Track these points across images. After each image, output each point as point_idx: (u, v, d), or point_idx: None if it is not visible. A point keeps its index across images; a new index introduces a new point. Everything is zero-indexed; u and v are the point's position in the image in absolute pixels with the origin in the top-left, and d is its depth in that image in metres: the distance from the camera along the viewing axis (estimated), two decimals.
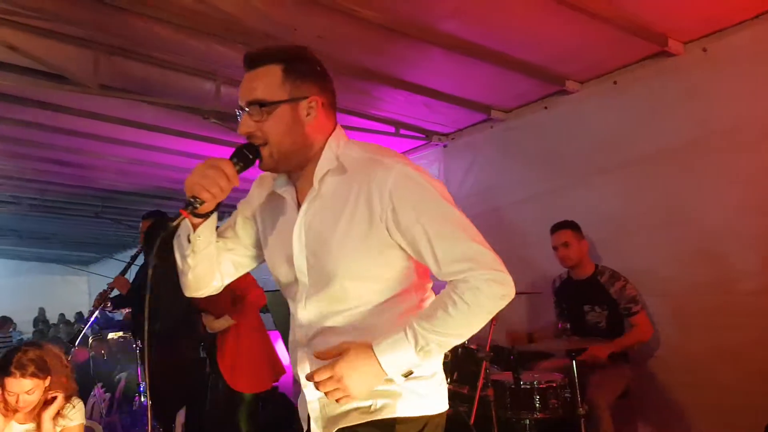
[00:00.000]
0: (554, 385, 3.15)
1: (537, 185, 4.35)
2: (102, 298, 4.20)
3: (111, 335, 5.63)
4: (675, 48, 3.41)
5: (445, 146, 5.19)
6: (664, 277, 3.59)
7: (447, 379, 3.36)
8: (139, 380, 4.38)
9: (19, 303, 14.72)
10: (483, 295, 1.38)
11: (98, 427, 4.71)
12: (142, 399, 4.46)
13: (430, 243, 1.40)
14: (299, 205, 1.54)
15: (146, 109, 4.42)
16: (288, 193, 1.58)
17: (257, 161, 1.48)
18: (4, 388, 2.62)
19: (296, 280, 1.54)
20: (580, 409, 3.09)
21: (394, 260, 1.48)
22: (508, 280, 1.42)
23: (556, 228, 3.75)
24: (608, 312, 3.58)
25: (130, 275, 4.38)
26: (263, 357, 3.47)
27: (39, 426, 2.70)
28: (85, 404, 5.63)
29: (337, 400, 1.40)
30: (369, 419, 1.48)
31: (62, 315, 15.06)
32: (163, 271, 4.19)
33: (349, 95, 4.16)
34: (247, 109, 1.45)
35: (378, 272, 1.48)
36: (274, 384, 3.58)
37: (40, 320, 15.08)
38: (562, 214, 4.01)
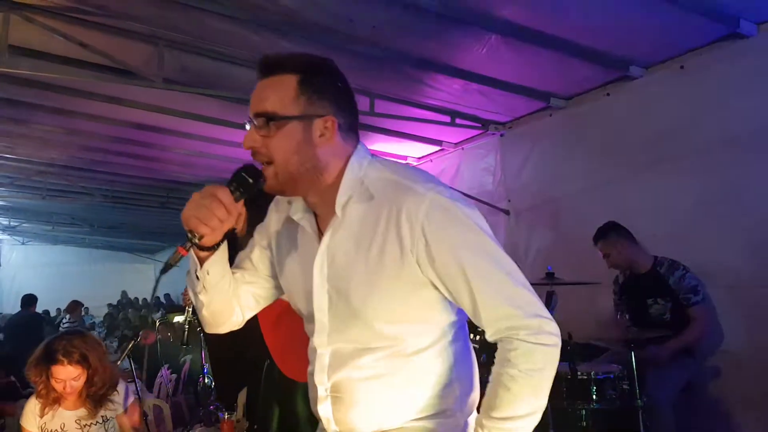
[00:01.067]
0: (612, 376, 3.10)
1: (598, 175, 4.24)
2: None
3: (176, 318, 5.84)
4: (747, 29, 3.26)
5: (502, 135, 5.12)
6: (732, 268, 3.46)
7: None
8: (203, 362, 4.53)
9: (90, 289, 15.47)
10: (538, 354, 1.23)
11: (165, 406, 4.94)
12: (206, 380, 4.62)
13: (469, 287, 1.24)
14: (320, 234, 1.36)
15: (209, 102, 4.55)
16: (307, 221, 1.39)
17: (259, 185, 1.30)
18: (51, 376, 2.66)
19: (314, 315, 1.38)
20: (639, 401, 3.04)
21: (429, 299, 1.31)
22: (554, 325, 1.26)
23: (594, 241, 3.73)
24: (672, 304, 3.48)
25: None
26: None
27: (90, 411, 2.76)
28: (152, 385, 5.91)
29: None
30: None
31: (136, 299, 15.75)
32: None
33: (404, 84, 4.17)
34: (254, 121, 1.28)
35: (411, 313, 1.31)
36: None
37: (123, 301, 15.78)
38: (624, 205, 3.93)
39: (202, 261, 1.36)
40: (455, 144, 5.62)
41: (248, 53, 3.85)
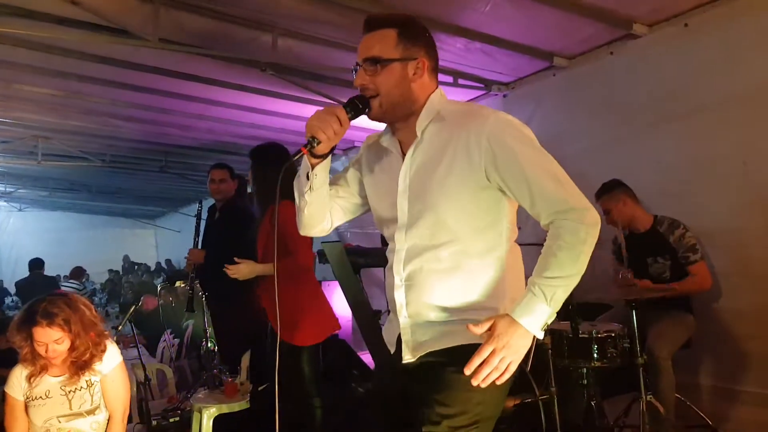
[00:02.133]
0: (613, 334, 3.11)
1: (602, 135, 4.21)
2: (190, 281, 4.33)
3: (178, 283, 5.88)
4: None
5: (505, 96, 5.07)
6: (733, 228, 3.46)
7: None
8: (206, 327, 4.56)
9: (91, 254, 15.49)
10: (582, 231, 1.54)
11: (168, 370, 5.00)
12: (209, 344, 4.66)
13: (528, 182, 1.57)
14: (404, 155, 1.74)
15: (207, 62, 4.47)
16: (393, 146, 1.78)
17: (366, 111, 1.69)
18: (33, 339, 2.58)
19: (396, 219, 1.73)
20: (640, 358, 3.08)
21: (490, 201, 1.65)
22: (595, 213, 1.58)
23: (596, 197, 3.70)
24: (671, 262, 3.51)
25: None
26: (315, 309, 3.35)
27: (73, 376, 2.67)
28: (155, 350, 5.97)
29: (504, 370, 1.53)
30: (456, 344, 1.65)
31: (145, 264, 15.78)
32: (228, 224, 4.24)
33: None
34: (363, 65, 1.68)
35: (473, 210, 1.65)
36: (333, 333, 3.52)
37: (125, 266, 15.80)
38: (627, 164, 3.91)
39: (313, 166, 1.73)
40: None
41: (246, 11, 3.77)
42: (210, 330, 4.52)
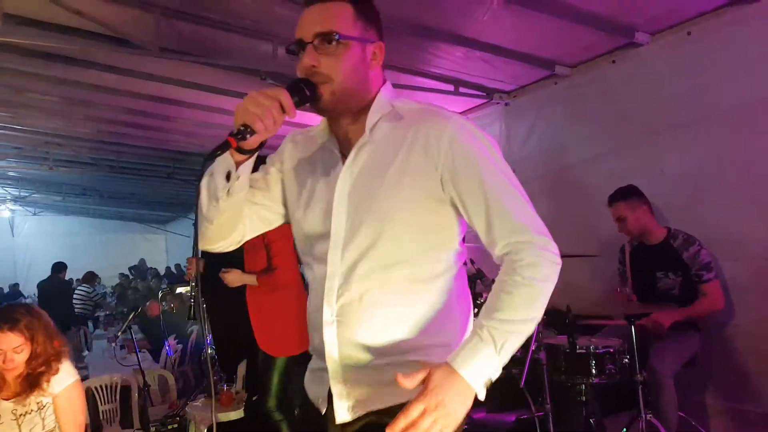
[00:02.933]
0: (612, 350, 3.05)
1: (604, 144, 4.15)
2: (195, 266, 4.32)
3: (180, 289, 5.90)
4: None
5: (506, 104, 5.03)
6: (743, 240, 3.37)
7: None
8: (205, 333, 4.57)
9: (102, 259, 15.64)
10: (545, 267, 1.29)
11: (170, 377, 5.02)
12: (209, 351, 4.67)
13: (486, 202, 1.32)
14: (343, 156, 1.43)
15: (208, 71, 4.49)
16: (331, 144, 1.47)
17: (313, 98, 1.35)
18: None
19: (329, 235, 1.39)
20: (639, 375, 2.99)
21: (443, 217, 1.38)
22: (556, 247, 1.33)
23: (609, 202, 3.59)
24: (682, 278, 3.39)
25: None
26: (292, 322, 3.38)
27: (24, 395, 2.49)
28: (159, 355, 5.99)
29: None
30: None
31: (155, 269, 15.89)
32: None
33: (405, 52, 4.08)
34: (313, 41, 1.33)
35: (426, 223, 1.36)
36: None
37: (142, 268, 15.89)
38: (631, 174, 3.83)
39: (237, 164, 1.35)
40: (460, 113, 5.50)
41: (245, 21, 3.78)
42: (210, 337, 4.53)
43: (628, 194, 3.53)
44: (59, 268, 10.18)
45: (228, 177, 1.36)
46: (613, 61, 4.04)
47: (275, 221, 1.59)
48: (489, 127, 5.21)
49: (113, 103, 5.62)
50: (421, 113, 1.40)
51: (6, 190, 12.75)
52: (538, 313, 1.30)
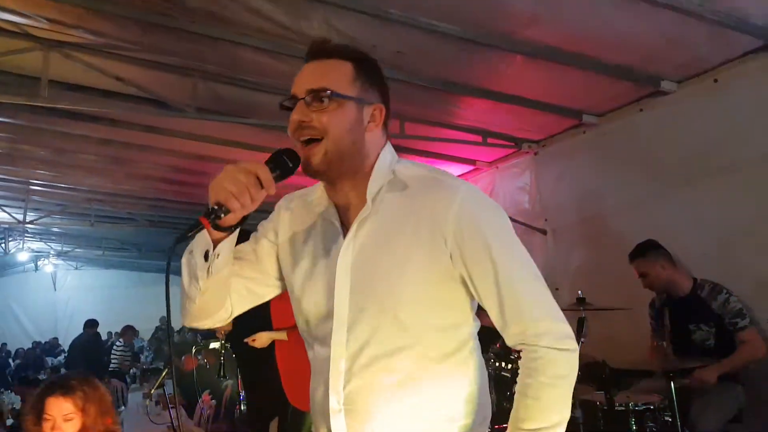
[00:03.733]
0: (651, 407, 2.94)
1: (634, 192, 4.12)
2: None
3: (213, 345, 5.92)
4: None
5: (536, 154, 5.05)
6: None
7: None
8: (240, 389, 4.58)
9: (141, 311, 15.85)
10: (563, 362, 1.22)
11: None
12: (242, 407, 4.66)
13: (497, 287, 1.24)
14: (343, 227, 1.33)
15: (242, 128, 4.66)
16: (331, 213, 1.35)
17: (294, 170, 1.28)
18: (43, 411, 2.37)
19: (332, 315, 1.29)
20: None
21: (454, 295, 1.29)
22: (570, 329, 1.26)
23: (629, 259, 3.56)
24: (716, 329, 3.29)
25: None
26: None
27: None
28: (193, 411, 5.99)
29: None
30: None
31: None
32: None
33: (432, 106, 4.17)
34: (306, 97, 1.25)
35: (437, 305, 1.27)
36: None
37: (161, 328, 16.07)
38: (664, 223, 3.79)
39: (215, 242, 1.26)
40: (489, 163, 5.57)
41: (277, 81, 3.93)
42: (243, 393, 4.53)
43: (645, 250, 3.51)
44: (91, 324, 10.32)
45: (207, 256, 1.27)
46: (641, 110, 4.05)
47: (267, 294, 1.47)
48: (519, 176, 5.24)
49: (153, 161, 5.84)
50: (427, 183, 1.30)
51: (49, 246, 13.16)
52: (567, 413, 1.22)
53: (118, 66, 3.72)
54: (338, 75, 1.28)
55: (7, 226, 9.64)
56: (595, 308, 3.40)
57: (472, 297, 1.31)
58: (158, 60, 3.71)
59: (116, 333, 14.53)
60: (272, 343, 3.53)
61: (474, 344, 1.34)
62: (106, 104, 4.16)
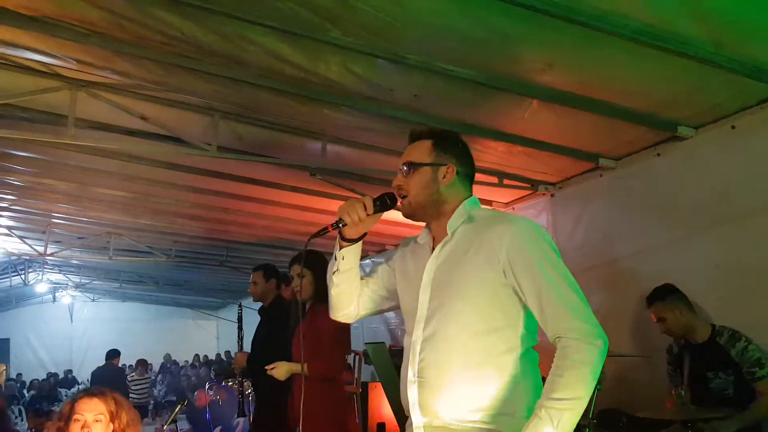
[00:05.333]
0: None
1: (651, 237, 4.08)
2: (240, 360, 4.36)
3: (230, 382, 5.90)
4: None
5: (552, 195, 5.05)
6: None
7: None
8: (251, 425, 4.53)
9: (156, 344, 15.89)
10: (588, 351, 1.54)
11: None
12: None
13: (539, 291, 1.62)
14: (432, 250, 1.85)
15: (262, 167, 4.73)
16: (426, 241, 1.90)
17: (391, 206, 1.87)
18: (74, 412, 2.40)
19: (416, 311, 1.79)
20: None
21: (509, 302, 1.68)
22: (602, 332, 1.58)
23: (648, 303, 3.52)
24: (735, 377, 3.22)
25: (248, 333, 4.51)
26: (338, 414, 3.33)
27: None
28: None
29: None
30: None
31: (197, 355, 16.03)
32: (267, 326, 4.30)
33: None
34: (402, 168, 1.85)
35: (491, 308, 1.68)
36: None
37: (169, 363, 16.07)
38: (682, 268, 3.74)
39: (341, 247, 1.90)
40: (505, 204, 5.57)
41: (296, 121, 4.01)
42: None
43: (665, 294, 3.47)
44: (113, 354, 10.37)
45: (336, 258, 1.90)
46: (658, 154, 4.04)
47: (382, 304, 2.04)
48: (536, 217, 5.21)
49: (173, 197, 5.93)
50: (491, 218, 1.80)
51: (68, 278, 13.29)
52: (588, 390, 1.53)
53: (142, 105, 3.82)
54: (420, 150, 1.86)
55: (27, 257, 9.76)
56: (611, 354, 3.33)
57: (526, 309, 1.69)
58: (181, 99, 3.81)
59: (130, 366, 14.56)
60: (290, 381, 3.50)
61: (526, 351, 1.69)
62: (131, 142, 4.26)
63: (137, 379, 9.98)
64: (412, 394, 1.72)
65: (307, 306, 3.61)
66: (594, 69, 3.11)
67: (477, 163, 4.43)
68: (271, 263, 4.70)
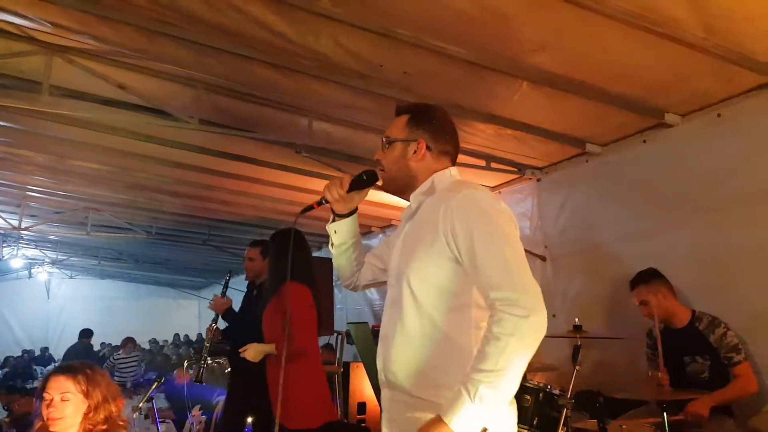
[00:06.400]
0: None
1: (635, 223, 4.10)
2: (211, 332, 4.35)
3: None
4: None
5: (539, 180, 5.04)
6: None
7: (526, 426, 3.20)
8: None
9: (136, 323, 15.74)
10: (509, 323, 1.51)
11: None
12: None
13: (474, 260, 1.62)
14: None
15: (246, 142, 4.64)
16: (405, 215, 1.95)
17: (369, 182, 1.97)
18: (43, 390, 2.32)
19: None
20: None
21: (451, 271, 1.69)
22: (532, 301, 1.53)
23: (631, 286, 3.54)
24: (711, 362, 3.28)
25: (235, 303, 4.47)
26: (309, 393, 3.26)
27: None
28: (182, 426, 5.88)
29: None
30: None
31: (177, 335, 15.92)
32: (257, 303, 4.24)
33: None
34: (382, 142, 1.94)
35: (437, 277, 1.70)
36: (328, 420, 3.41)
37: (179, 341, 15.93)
38: (662, 254, 3.77)
39: (333, 220, 2.06)
40: (492, 188, 5.55)
41: (283, 96, 3.93)
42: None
43: (649, 278, 3.49)
44: (86, 334, 10.26)
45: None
46: (644, 141, 4.04)
47: (380, 276, 2.11)
48: (522, 202, 5.22)
49: (153, 172, 5.81)
50: (448, 189, 1.80)
51: (44, 253, 13.08)
52: (508, 364, 1.48)
53: (121, 73, 3.71)
54: (396, 126, 1.93)
55: (2, 231, 9.57)
56: (590, 336, 3.37)
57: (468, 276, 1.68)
58: (162, 69, 3.70)
59: (110, 345, 14.41)
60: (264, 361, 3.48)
61: (475, 324, 1.67)
62: (108, 112, 4.15)
63: (124, 358, 9.85)
64: (379, 350, 1.84)
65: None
66: (586, 52, 3.09)
67: (466, 146, 4.49)
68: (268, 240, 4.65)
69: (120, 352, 10.16)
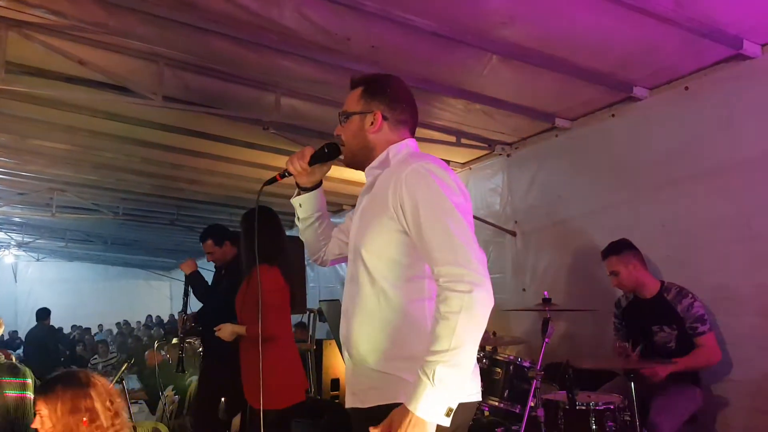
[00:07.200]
0: (612, 406, 2.96)
1: (604, 197, 4.15)
2: (182, 322, 4.30)
3: (175, 340, 5.80)
4: (751, 50, 3.17)
5: (508, 156, 5.05)
6: (740, 295, 3.32)
7: (497, 398, 3.24)
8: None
9: (107, 305, 15.55)
10: (455, 300, 1.48)
11: (164, 429, 4.88)
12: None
13: (421, 234, 1.59)
14: None
15: (213, 120, 4.55)
16: (362, 192, 1.93)
17: (330, 155, 1.95)
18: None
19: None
20: None
21: (402, 244, 1.67)
22: (476, 276, 1.50)
23: (603, 256, 3.58)
24: (678, 332, 3.35)
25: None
26: (279, 374, 3.24)
27: None
28: (156, 406, 5.85)
29: None
30: (375, 404, 1.66)
31: (149, 316, 15.78)
32: (227, 284, 4.21)
33: None
34: (340, 117, 1.90)
35: (387, 250, 1.69)
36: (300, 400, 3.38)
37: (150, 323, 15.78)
38: (630, 227, 3.82)
39: (295, 196, 2.07)
40: (462, 164, 5.56)
41: (248, 72, 3.84)
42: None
43: (620, 248, 3.53)
44: (42, 314, 10.11)
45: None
46: (613, 115, 4.07)
47: (346, 251, 2.01)
48: (492, 177, 5.24)
49: (118, 151, 5.66)
50: (400, 162, 1.77)
51: (9, 236, 12.77)
52: (460, 341, 1.46)
53: (81, 49, 3.56)
54: (351, 99, 1.88)
55: None
56: (560, 309, 3.41)
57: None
58: (123, 44, 3.57)
59: (80, 327, 14.22)
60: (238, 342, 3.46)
61: (430, 296, 1.63)
62: (68, 89, 4.01)
63: (103, 362, 9.80)
64: (341, 324, 1.84)
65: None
66: (554, 24, 3.07)
67: (436, 122, 4.46)
68: (217, 225, 4.60)
69: (95, 357, 10.10)
